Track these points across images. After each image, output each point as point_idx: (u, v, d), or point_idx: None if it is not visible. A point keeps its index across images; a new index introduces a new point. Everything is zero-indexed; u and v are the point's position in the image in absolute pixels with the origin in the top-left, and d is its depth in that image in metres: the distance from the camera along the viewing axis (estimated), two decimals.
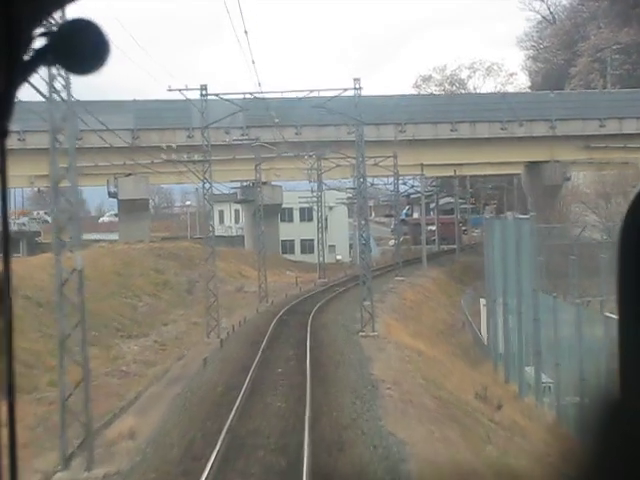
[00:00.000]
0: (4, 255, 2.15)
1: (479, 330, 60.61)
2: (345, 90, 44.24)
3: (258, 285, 62.55)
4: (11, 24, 2.02)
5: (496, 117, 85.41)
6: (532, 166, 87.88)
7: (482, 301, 60.19)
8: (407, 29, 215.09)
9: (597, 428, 2.08)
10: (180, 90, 43.67)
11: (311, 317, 50.34)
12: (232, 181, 69.11)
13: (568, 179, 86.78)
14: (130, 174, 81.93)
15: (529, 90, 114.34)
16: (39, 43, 2.09)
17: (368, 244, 48.10)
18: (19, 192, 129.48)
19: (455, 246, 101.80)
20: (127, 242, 78.77)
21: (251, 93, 43.77)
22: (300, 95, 43.51)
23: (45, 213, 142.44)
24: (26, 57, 2.09)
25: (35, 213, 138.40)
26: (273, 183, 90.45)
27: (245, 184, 69.10)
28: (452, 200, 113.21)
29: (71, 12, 2.38)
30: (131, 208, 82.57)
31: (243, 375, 32.23)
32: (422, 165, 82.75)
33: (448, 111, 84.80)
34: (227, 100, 43.93)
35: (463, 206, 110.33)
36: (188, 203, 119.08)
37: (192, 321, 50.99)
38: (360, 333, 44.69)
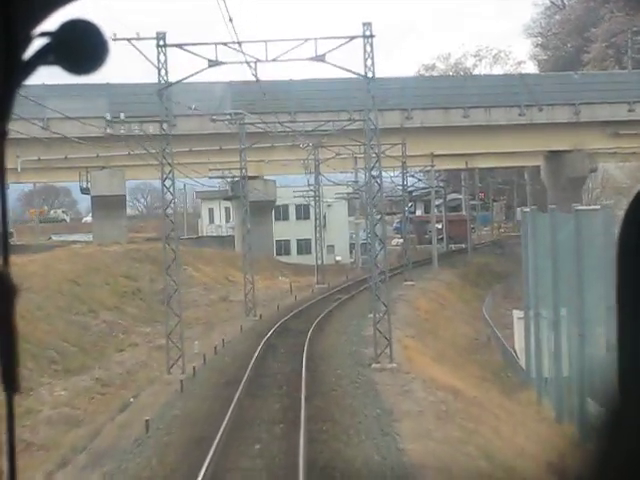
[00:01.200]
0: (3, 255, 2.01)
1: (512, 348, 47.48)
2: (352, 38, 30.97)
3: (244, 294, 49.14)
4: (10, 24, 1.93)
5: (513, 101, 72.01)
6: (553, 156, 74.49)
7: (516, 313, 47.06)
8: (407, 29, 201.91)
9: (597, 431, 1.96)
10: (129, 39, 30.32)
11: (308, 339, 37.07)
12: (211, 170, 55.81)
13: (594, 170, 73.38)
14: (104, 167, 68.67)
15: None
16: (38, 43, 1.98)
17: (383, 243, 34.86)
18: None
19: (464, 246, 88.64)
20: (100, 243, 65.59)
21: (225, 43, 30.39)
22: (292, 45, 30.15)
23: (63, 212, 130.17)
24: (25, 57, 1.97)
25: (52, 212, 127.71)
26: (266, 177, 77.17)
27: (232, 178, 55.83)
28: (459, 196, 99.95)
29: (70, 12, 2.13)
30: (106, 206, 69.28)
31: (199, 456, 18.95)
32: (432, 155, 69.26)
33: (460, 95, 71.33)
34: (191, 53, 30.51)
35: (471, 202, 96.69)
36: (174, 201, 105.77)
37: (157, 344, 37.65)
38: (373, 365, 31.38)
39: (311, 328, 40.71)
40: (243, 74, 69.93)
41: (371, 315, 47.94)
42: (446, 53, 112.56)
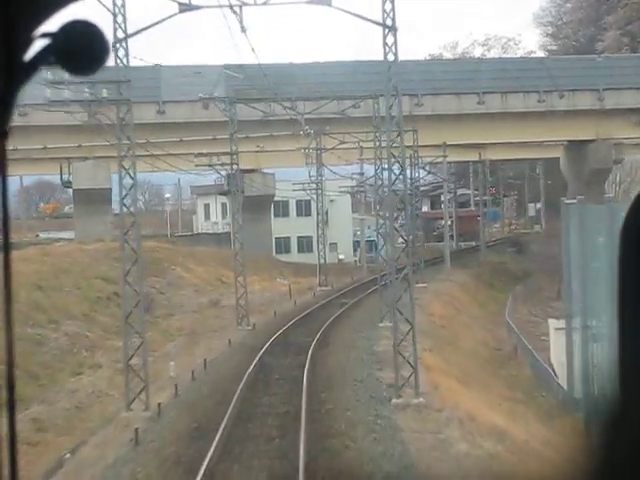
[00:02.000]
0: (4, 254, 1.91)
1: (544, 361, 39.47)
2: None
3: (236, 300, 40.99)
4: (11, 25, 1.91)
5: (532, 87, 63.78)
6: (574, 146, 66.25)
7: (553, 322, 39.28)
8: (407, 29, 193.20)
9: (599, 433, 1.91)
10: None
11: (309, 358, 28.91)
12: (197, 155, 47.53)
13: (619, 161, 65.14)
14: (87, 159, 60.59)
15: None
16: (39, 44, 1.93)
17: (405, 241, 26.89)
18: None
19: (474, 243, 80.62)
20: (81, 241, 57.48)
21: None
22: None
23: None
24: (26, 58, 1.93)
25: (67, 208, 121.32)
26: (264, 171, 69.02)
27: (222, 166, 47.64)
28: (468, 191, 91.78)
29: (71, 13, 2.09)
30: (89, 200, 61.18)
31: None
32: (445, 145, 61.05)
33: (474, 79, 63.10)
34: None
35: (479, 198, 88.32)
36: (167, 196, 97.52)
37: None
38: (394, 400, 23.20)
39: (313, 342, 32.59)
40: (238, 57, 61.77)
41: (382, 324, 40.07)
42: (453, 42, 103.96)
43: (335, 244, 73.29)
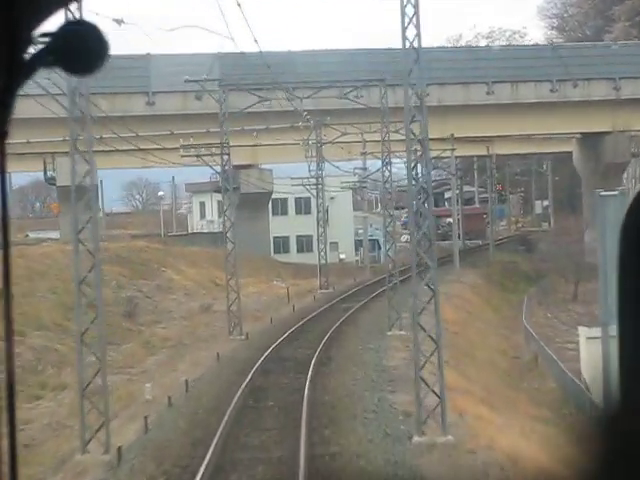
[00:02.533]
0: (4, 253, 1.88)
1: (571, 374, 34.60)
2: None
3: (227, 306, 35.96)
4: (11, 25, 1.88)
5: (544, 75, 58.87)
6: (588, 139, 61.41)
7: (584, 331, 34.31)
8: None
9: (597, 433, 1.89)
10: None
11: (309, 379, 23.90)
12: (183, 146, 42.58)
13: (637, 155, 60.24)
14: None
15: None
16: (39, 44, 1.91)
17: (430, 241, 22.15)
18: None
19: (481, 242, 75.89)
20: (67, 241, 52.44)
21: None
22: None
23: None
24: (26, 58, 1.90)
25: None
26: (262, 167, 64.20)
27: (211, 156, 42.78)
28: (472, 188, 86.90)
29: (71, 13, 2.34)
30: (75, 197, 56.02)
31: None
32: (452, 138, 56.01)
33: (483, 68, 58.18)
34: None
35: (484, 195, 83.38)
36: (161, 194, 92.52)
37: (95, 385, 24.30)
38: (415, 438, 18.22)
39: (314, 357, 27.61)
40: (234, 45, 56.92)
41: (391, 333, 35.27)
42: (457, 34, 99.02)
43: (336, 243, 68.28)
